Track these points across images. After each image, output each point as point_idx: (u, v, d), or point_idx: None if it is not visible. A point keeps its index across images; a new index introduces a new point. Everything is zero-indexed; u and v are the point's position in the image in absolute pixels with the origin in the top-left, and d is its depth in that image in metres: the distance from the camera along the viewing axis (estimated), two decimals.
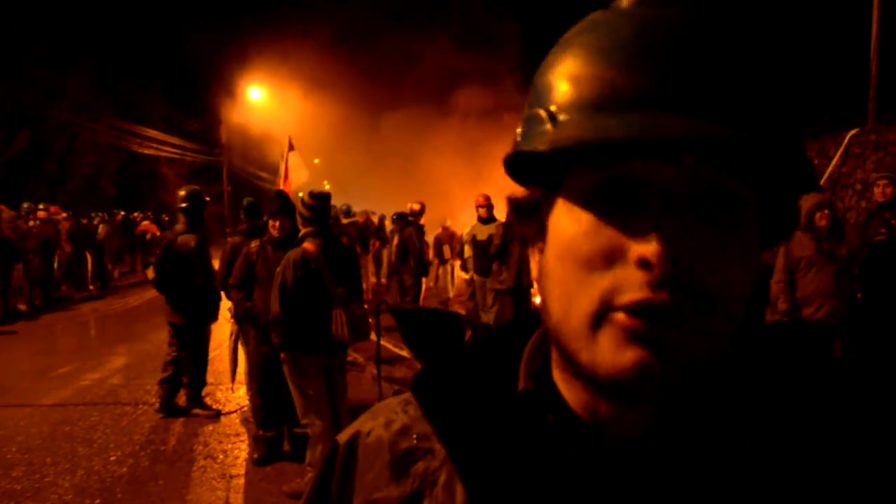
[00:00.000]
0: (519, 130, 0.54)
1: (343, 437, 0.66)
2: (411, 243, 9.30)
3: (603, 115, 0.46)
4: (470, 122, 25.33)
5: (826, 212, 4.95)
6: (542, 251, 0.55)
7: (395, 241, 9.64)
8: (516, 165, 0.54)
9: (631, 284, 0.46)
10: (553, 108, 0.50)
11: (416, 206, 9.61)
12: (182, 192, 5.90)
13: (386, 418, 0.63)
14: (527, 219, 0.57)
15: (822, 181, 7.39)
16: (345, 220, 11.54)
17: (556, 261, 0.51)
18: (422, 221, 9.68)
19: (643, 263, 0.45)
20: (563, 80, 0.50)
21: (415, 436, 0.60)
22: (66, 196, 22.04)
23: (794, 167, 0.48)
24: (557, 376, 0.56)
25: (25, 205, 13.17)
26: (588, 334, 0.48)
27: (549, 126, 0.49)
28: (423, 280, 10.10)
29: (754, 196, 0.49)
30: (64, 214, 15.05)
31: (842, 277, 4.92)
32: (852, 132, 7.28)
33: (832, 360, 0.57)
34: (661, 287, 0.45)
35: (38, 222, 12.71)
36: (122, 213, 19.63)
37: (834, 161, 7.31)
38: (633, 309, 0.46)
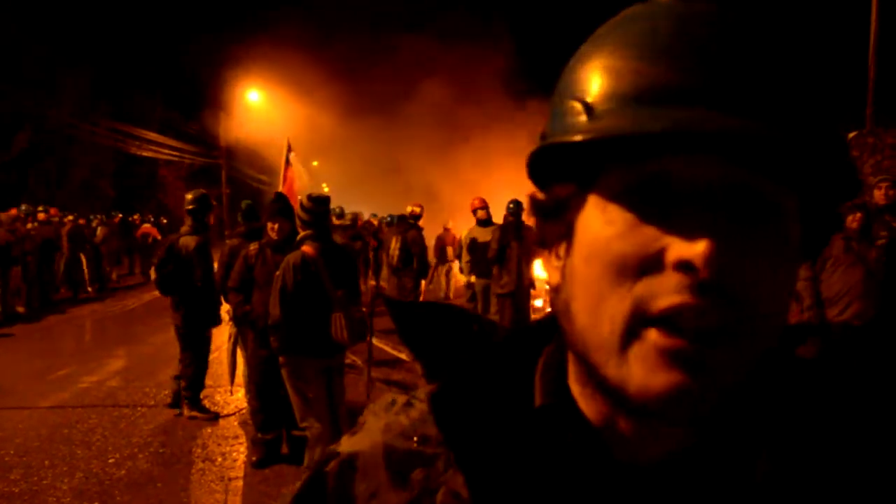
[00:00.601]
0: (547, 125, 0.52)
1: (342, 445, 0.63)
2: (415, 246, 9.30)
3: (643, 108, 0.44)
4: (466, 126, 25.36)
5: (859, 214, 4.87)
6: (562, 255, 0.52)
7: (395, 243, 9.63)
8: (540, 165, 0.52)
9: (669, 289, 0.43)
10: (589, 99, 0.47)
11: (417, 209, 9.62)
12: (189, 196, 5.93)
13: (385, 421, 0.61)
14: (551, 220, 0.53)
15: None
16: (337, 222, 11.54)
17: (585, 264, 0.48)
18: (420, 223, 9.69)
19: (684, 266, 0.43)
20: (600, 72, 0.48)
21: (415, 439, 0.58)
22: (65, 198, 22.01)
23: (840, 173, 0.45)
24: (575, 389, 0.54)
25: (24, 206, 13.16)
26: (618, 347, 0.45)
27: (583, 118, 0.47)
28: (423, 282, 10.10)
29: (797, 204, 0.47)
30: (70, 217, 15.08)
31: (871, 280, 4.81)
32: (850, 135, 7.28)
33: (849, 368, 0.56)
34: (704, 292, 0.42)
35: (36, 224, 12.72)
36: (120, 215, 19.60)
37: None
38: (670, 320, 0.43)
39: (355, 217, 9.42)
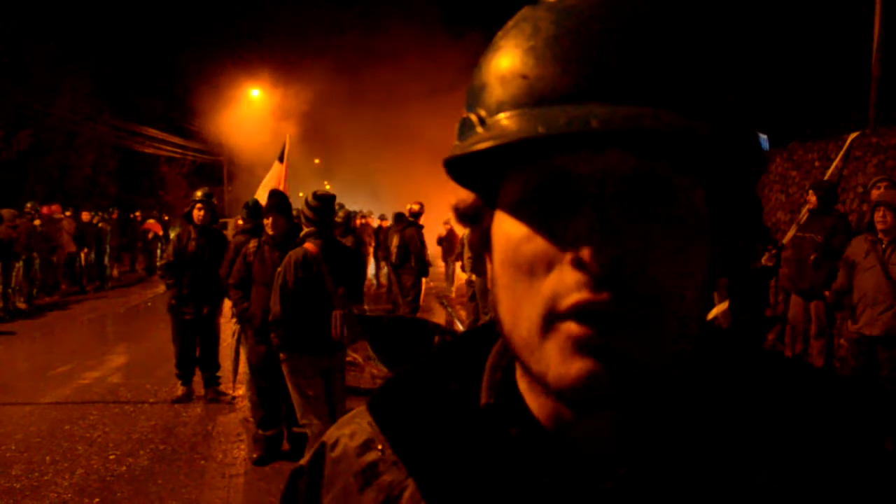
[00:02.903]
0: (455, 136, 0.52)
1: (307, 456, 0.65)
2: (413, 244, 9.30)
3: (530, 111, 0.45)
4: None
5: (881, 211, 4.53)
6: (490, 259, 0.53)
7: (395, 241, 9.64)
8: (456, 172, 0.52)
9: (570, 287, 0.44)
10: (482, 111, 0.48)
11: (416, 207, 9.62)
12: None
13: (351, 430, 0.62)
14: (472, 227, 0.55)
15: None
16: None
17: (501, 268, 0.50)
18: (421, 221, 9.69)
19: (578, 264, 0.44)
20: (491, 81, 0.48)
21: (380, 447, 0.59)
22: (65, 195, 22.01)
23: (735, 153, 0.45)
24: (522, 384, 0.54)
25: (29, 204, 13.17)
26: (536, 344, 0.47)
27: (479, 129, 0.48)
28: (423, 280, 10.10)
29: (695, 186, 0.47)
30: (68, 212, 15.11)
31: (888, 285, 4.46)
32: (854, 135, 7.25)
33: (809, 365, 0.56)
34: (601, 287, 0.43)
35: (39, 221, 12.74)
36: (117, 210, 19.55)
37: (835, 164, 7.30)
38: (577, 314, 0.44)
39: (348, 215, 9.42)
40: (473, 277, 8.57)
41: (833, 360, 5.99)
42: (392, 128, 28.07)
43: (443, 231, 13.11)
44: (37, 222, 12.56)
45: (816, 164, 7.79)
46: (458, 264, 11.09)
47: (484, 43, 0.54)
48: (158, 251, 18.56)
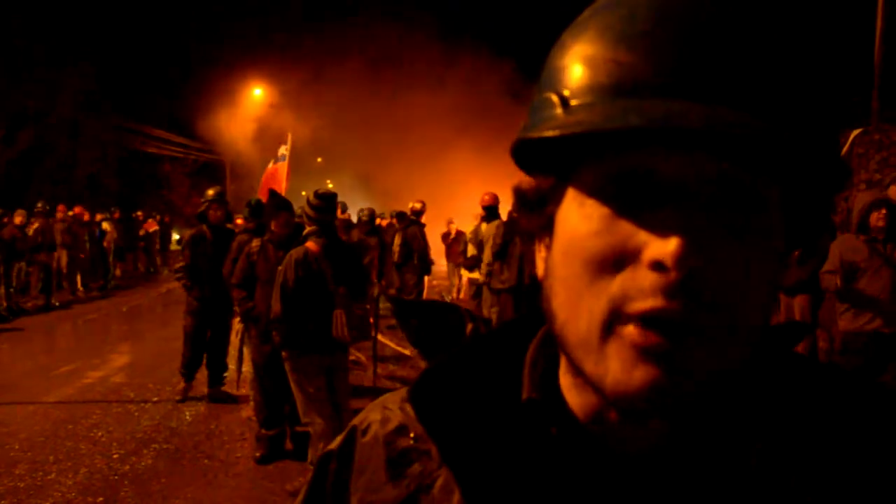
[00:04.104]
0: (527, 116, 0.51)
1: (337, 441, 0.65)
2: (416, 242, 9.31)
3: (619, 101, 0.43)
4: (476, 115, 25.23)
5: (883, 211, 4.52)
6: (548, 247, 0.51)
7: (398, 239, 9.64)
8: (524, 154, 0.50)
9: (643, 290, 0.43)
10: (566, 92, 0.46)
11: (418, 205, 9.62)
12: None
13: (382, 415, 0.61)
14: (533, 212, 0.53)
15: None
16: (341, 216, 11.54)
17: (563, 259, 0.48)
18: (423, 220, 9.69)
19: (657, 266, 0.42)
20: (578, 63, 0.46)
21: (412, 435, 0.58)
22: (68, 194, 22.02)
23: (827, 165, 0.44)
24: (564, 381, 0.54)
25: (39, 203, 13.20)
26: (596, 344, 0.45)
27: (559, 111, 0.46)
28: (426, 279, 10.10)
29: (779, 197, 0.46)
30: (71, 212, 15.14)
31: None
32: (856, 132, 7.24)
33: (840, 370, 0.55)
34: (676, 295, 0.42)
35: (52, 220, 12.81)
36: (119, 210, 19.56)
37: None
38: (645, 319, 0.43)
39: (372, 214, 9.46)
40: (476, 275, 8.57)
41: (816, 354, 5.97)
42: (393, 127, 28.06)
43: (447, 229, 13.13)
44: (52, 220, 12.60)
45: None
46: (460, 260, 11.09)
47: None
48: (157, 247, 18.79)
